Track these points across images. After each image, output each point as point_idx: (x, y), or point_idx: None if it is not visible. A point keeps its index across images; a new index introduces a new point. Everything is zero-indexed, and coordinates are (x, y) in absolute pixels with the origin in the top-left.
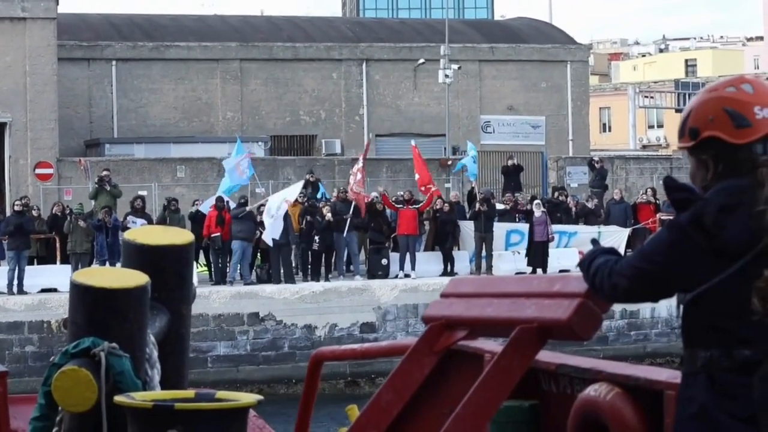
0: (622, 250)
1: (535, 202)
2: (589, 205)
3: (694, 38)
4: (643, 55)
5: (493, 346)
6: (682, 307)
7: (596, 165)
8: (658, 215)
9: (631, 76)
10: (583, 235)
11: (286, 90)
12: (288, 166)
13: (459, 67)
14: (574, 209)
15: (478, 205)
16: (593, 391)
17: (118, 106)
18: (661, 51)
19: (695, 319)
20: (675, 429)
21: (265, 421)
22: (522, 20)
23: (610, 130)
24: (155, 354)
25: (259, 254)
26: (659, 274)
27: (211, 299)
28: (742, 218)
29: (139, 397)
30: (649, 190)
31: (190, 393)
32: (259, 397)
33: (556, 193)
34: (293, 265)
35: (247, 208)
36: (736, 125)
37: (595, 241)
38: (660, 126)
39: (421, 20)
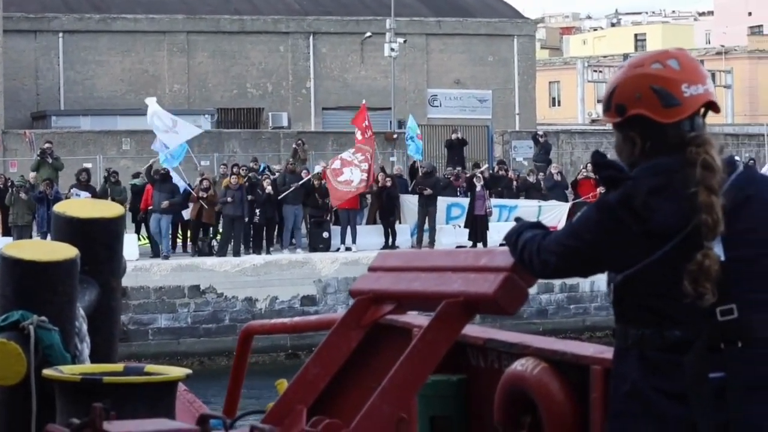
0: (562, 224)
1: (476, 175)
2: (531, 179)
3: (646, 13)
4: (595, 29)
5: (422, 320)
6: (612, 284)
7: (540, 139)
8: (598, 189)
9: (581, 50)
10: (524, 209)
11: (233, 63)
12: (233, 138)
13: (404, 41)
14: (515, 183)
15: (419, 187)
16: (520, 365)
17: (65, 78)
18: (612, 25)
19: (627, 297)
20: (609, 405)
21: (195, 395)
22: None
23: (559, 105)
24: (85, 327)
25: (201, 228)
26: (589, 253)
27: (152, 272)
28: (672, 199)
29: (67, 371)
30: (589, 164)
31: (119, 367)
32: (188, 370)
33: (497, 167)
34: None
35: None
36: (664, 104)
37: (518, 219)
38: None
39: None
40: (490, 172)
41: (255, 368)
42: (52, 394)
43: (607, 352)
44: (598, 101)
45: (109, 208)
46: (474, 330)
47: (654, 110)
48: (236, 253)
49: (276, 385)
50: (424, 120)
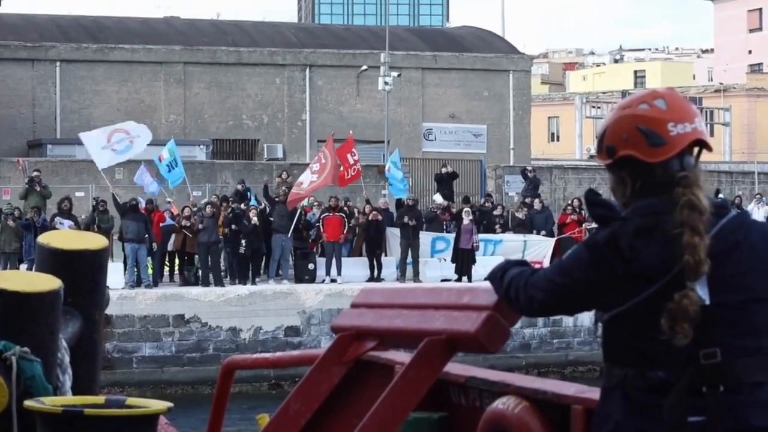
0: (547, 260)
1: (465, 209)
2: (519, 215)
3: (649, 49)
4: (598, 65)
5: (404, 357)
6: (599, 323)
7: (529, 174)
8: (584, 225)
9: (581, 86)
10: (509, 243)
11: (230, 94)
12: (226, 170)
13: (399, 75)
14: (501, 219)
15: (406, 218)
16: (501, 404)
17: (62, 107)
18: (615, 61)
19: (612, 337)
20: None
21: (176, 429)
22: (467, 29)
23: (558, 140)
24: (67, 359)
25: (186, 257)
26: (575, 291)
27: (137, 300)
28: (657, 241)
29: (49, 402)
30: (575, 200)
31: (100, 399)
32: (169, 404)
33: (484, 200)
34: (222, 268)
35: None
36: (651, 144)
37: (507, 260)
38: None
39: (366, 27)
40: (479, 206)
41: (237, 397)
42: (33, 426)
43: (588, 392)
44: (596, 137)
45: (93, 240)
46: (455, 368)
47: (641, 150)
48: (217, 281)
49: (257, 420)
50: (419, 153)
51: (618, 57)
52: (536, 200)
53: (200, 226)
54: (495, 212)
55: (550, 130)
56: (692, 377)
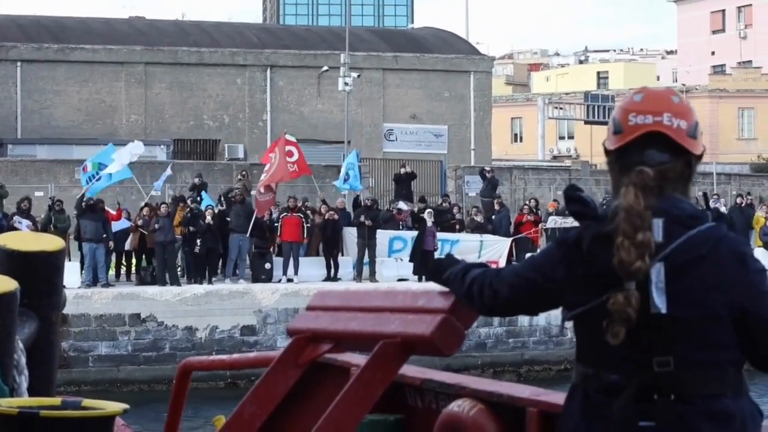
0: (503, 260)
1: (427, 211)
2: (478, 218)
3: (614, 50)
4: (563, 66)
5: (360, 360)
6: (566, 322)
7: (487, 175)
8: (540, 225)
9: (544, 87)
10: (465, 243)
11: (191, 94)
12: (186, 170)
13: (358, 75)
14: (456, 219)
15: (362, 216)
16: (457, 406)
17: (23, 107)
18: (580, 62)
19: (577, 336)
20: None
21: (133, 430)
22: (428, 30)
23: (521, 140)
24: (23, 360)
25: (144, 256)
26: (542, 287)
27: (93, 300)
28: (610, 247)
29: (5, 404)
30: (531, 201)
31: (56, 400)
32: (125, 405)
33: (441, 201)
34: (179, 267)
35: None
36: (613, 131)
37: (449, 255)
38: (571, 137)
39: (327, 28)
40: (436, 206)
41: (194, 396)
42: None
43: (543, 395)
44: (560, 138)
45: (50, 242)
46: (411, 370)
47: (608, 137)
48: (173, 281)
49: (213, 422)
50: (379, 154)
51: (582, 58)
52: (495, 201)
53: (156, 225)
54: (453, 213)
55: (513, 130)
56: (643, 383)
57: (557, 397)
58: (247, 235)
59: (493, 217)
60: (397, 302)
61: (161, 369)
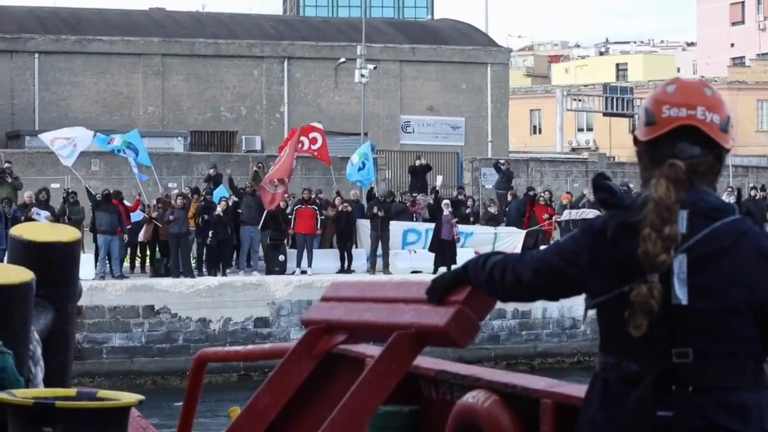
0: (518, 251)
1: (444, 201)
2: (492, 209)
3: (634, 42)
4: (583, 58)
5: (375, 350)
6: (588, 310)
7: (502, 167)
8: (554, 218)
9: (563, 79)
10: (480, 235)
11: (208, 86)
12: (203, 161)
13: (375, 67)
14: (470, 210)
15: (375, 208)
16: (471, 398)
17: (40, 99)
18: (601, 54)
19: (600, 324)
20: (577, 429)
21: (148, 421)
22: (445, 21)
23: (540, 132)
24: (39, 351)
25: (157, 248)
26: (564, 272)
27: (107, 291)
28: (636, 236)
29: (20, 395)
30: (546, 192)
31: (71, 391)
32: (141, 396)
33: (457, 193)
34: (193, 259)
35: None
36: (646, 122)
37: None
38: (590, 129)
39: (345, 19)
40: (450, 198)
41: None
42: (4, 418)
43: (557, 386)
44: (579, 130)
45: (65, 232)
46: (426, 361)
47: (640, 128)
48: (187, 272)
49: (229, 413)
50: (397, 146)
51: (603, 50)
52: (509, 193)
53: (171, 217)
54: (467, 205)
55: (532, 122)
56: (662, 374)
57: (571, 388)
58: (259, 227)
59: (507, 208)
60: (412, 293)
61: (175, 361)
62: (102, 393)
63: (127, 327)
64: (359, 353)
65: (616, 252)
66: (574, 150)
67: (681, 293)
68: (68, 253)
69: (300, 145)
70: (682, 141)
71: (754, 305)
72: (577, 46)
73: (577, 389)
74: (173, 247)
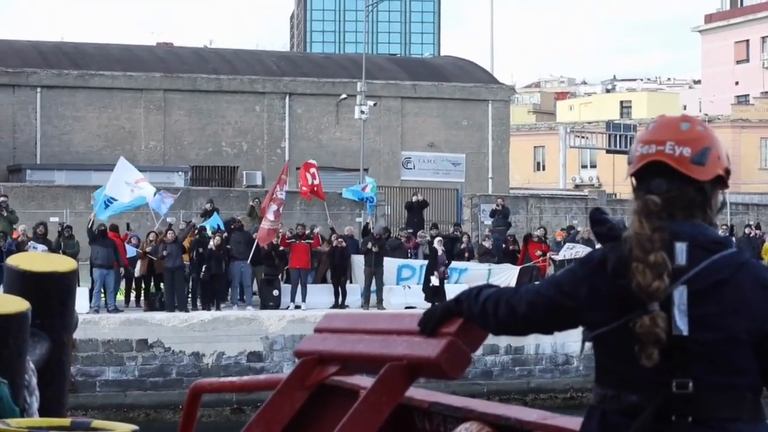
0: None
1: (437, 239)
2: (486, 244)
3: (641, 79)
4: (589, 95)
5: (368, 382)
6: (585, 343)
7: (498, 207)
8: (548, 255)
9: (567, 116)
10: (474, 271)
11: (209, 121)
12: (202, 196)
13: (375, 104)
14: (464, 246)
15: (370, 243)
16: (464, 429)
17: (42, 133)
18: (608, 91)
19: (597, 357)
20: None
21: None
22: (447, 59)
23: (544, 169)
24: (34, 381)
25: (152, 281)
26: (561, 305)
27: (101, 325)
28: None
29: (15, 424)
30: (540, 230)
31: (66, 421)
32: (135, 427)
33: (453, 229)
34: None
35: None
36: (628, 161)
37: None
38: (593, 166)
39: (347, 56)
40: (447, 234)
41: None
42: None
43: (550, 418)
44: (583, 166)
45: (62, 262)
46: (419, 393)
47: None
48: (182, 306)
49: None
50: (397, 182)
51: (610, 87)
52: (507, 230)
53: (164, 252)
54: (462, 241)
55: (536, 159)
56: (662, 404)
57: (565, 420)
58: (248, 261)
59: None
60: (404, 325)
61: (168, 394)
62: (96, 423)
63: (120, 360)
64: (353, 385)
65: (617, 284)
66: (577, 187)
67: (682, 324)
68: (64, 283)
69: (303, 180)
70: (657, 177)
71: (755, 336)
72: (584, 83)
73: (570, 422)
74: (167, 281)
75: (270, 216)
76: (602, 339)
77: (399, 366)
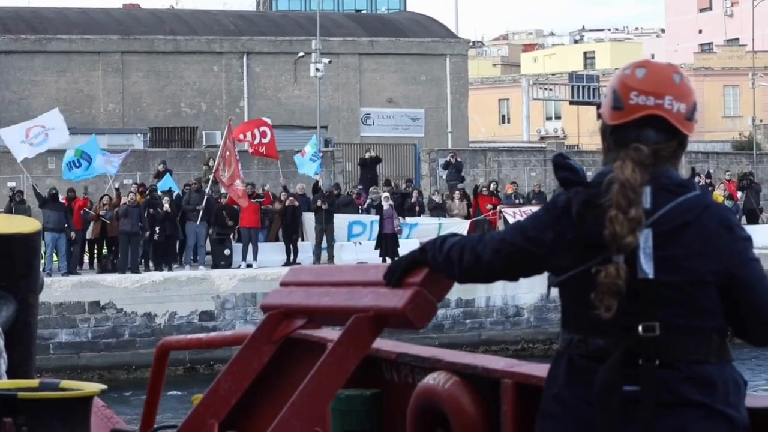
0: None
1: (384, 195)
2: (436, 198)
3: (608, 29)
4: (556, 46)
5: (336, 335)
6: (551, 288)
7: (451, 160)
8: (498, 207)
9: (532, 68)
10: (424, 226)
11: (168, 82)
12: (159, 158)
13: (330, 61)
14: (415, 200)
15: (319, 201)
16: (432, 379)
17: (1, 98)
18: (576, 42)
19: (563, 302)
20: (541, 405)
21: (112, 411)
22: (404, 14)
23: (509, 122)
24: (1, 343)
25: (105, 244)
26: (526, 250)
27: (53, 288)
28: (600, 213)
29: None
30: (491, 183)
31: (34, 382)
32: (103, 386)
33: (405, 185)
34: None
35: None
36: (613, 106)
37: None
38: (558, 118)
39: (304, 13)
40: (399, 190)
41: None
42: None
43: (518, 366)
44: (548, 118)
45: (26, 224)
46: (386, 344)
47: (606, 110)
48: (134, 269)
49: (192, 400)
50: (357, 139)
51: (578, 38)
52: (459, 184)
53: (122, 214)
54: (413, 195)
55: (501, 112)
56: (629, 348)
57: (532, 368)
58: (197, 222)
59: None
60: (370, 276)
61: (121, 355)
62: (65, 383)
63: (73, 323)
64: (320, 338)
65: (581, 229)
66: (542, 138)
67: (647, 267)
68: (29, 244)
69: (251, 139)
70: (647, 128)
71: (720, 277)
72: (552, 34)
73: (538, 368)
74: (124, 244)
75: (225, 179)
76: (568, 284)
77: (365, 317)
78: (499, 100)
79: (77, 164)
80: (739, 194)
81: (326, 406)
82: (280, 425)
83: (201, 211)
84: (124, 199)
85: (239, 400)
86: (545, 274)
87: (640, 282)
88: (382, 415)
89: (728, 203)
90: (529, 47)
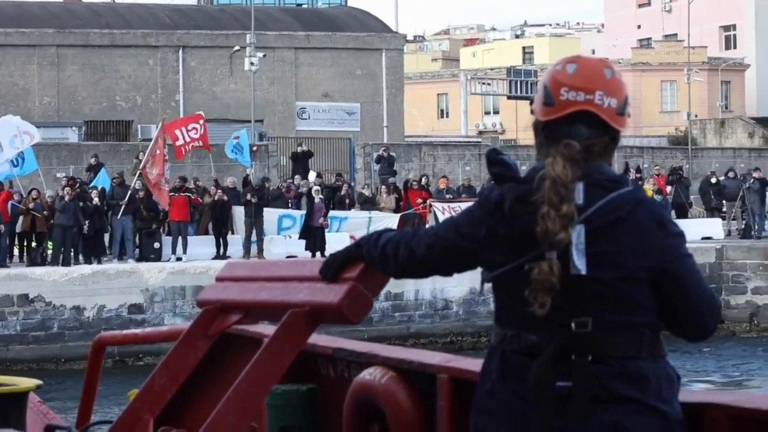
0: None
1: (314, 188)
2: (366, 192)
3: (549, 25)
4: (498, 41)
5: (272, 330)
6: (485, 284)
7: (384, 154)
8: (428, 201)
9: (471, 63)
10: (354, 220)
11: (103, 76)
12: (93, 151)
13: (264, 55)
14: (345, 193)
15: (249, 194)
16: (368, 374)
17: None
18: (517, 37)
19: (496, 297)
20: (474, 401)
21: (48, 407)
22: (341, 9)
23: (447, 116)
24: None
25: (34, 237)
26: (459, 246)
27: None
28: (532, 209)
29: None
30: (423, 177)
31: None
32: (38, 381)
33: (335, 179)
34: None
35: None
36: (544, 102)
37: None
38: (496, 112)
39: (240, 7)
40: (330, 184)
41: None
42: None
43: (453, 361)
44: (486, 113)
45: None
46: (323, 339)
47: (537, 105)
48: (67, 263)
49: (128, 396)
50: (292, 132)
51: (519, 33)
52: (390, 178)
53: (59, 209)
54: (342, 188)
55: (440, 106)
56: (562, 344)
57: (468, 363)
58: (119, 216)
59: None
60: (306, 271)
61: (50, 348)
62: None
63: (2, 316)
64: (256, 333)
65: (514, 224)
66: (481, 133)
67: (579, 263)
68: None
69: (182, 141)
70: (578, 123)
71: (652, 273)
72: (493, 29)
73: (473, 363)
74: (58, 237)
75: (151, 178)
76: (501, 280)
77: (301, 312)
78: (438, 94)
79: (15, 163)
80: (668, 189)
81: (262, 401)
82: (215, 421)
83: (123, 205)
84: (60, 193)
85: (174, 396)
86: (478, 269)
87: (572, 278)
88: (318, 411)
89: (657, 197)
90: (470, 42)
